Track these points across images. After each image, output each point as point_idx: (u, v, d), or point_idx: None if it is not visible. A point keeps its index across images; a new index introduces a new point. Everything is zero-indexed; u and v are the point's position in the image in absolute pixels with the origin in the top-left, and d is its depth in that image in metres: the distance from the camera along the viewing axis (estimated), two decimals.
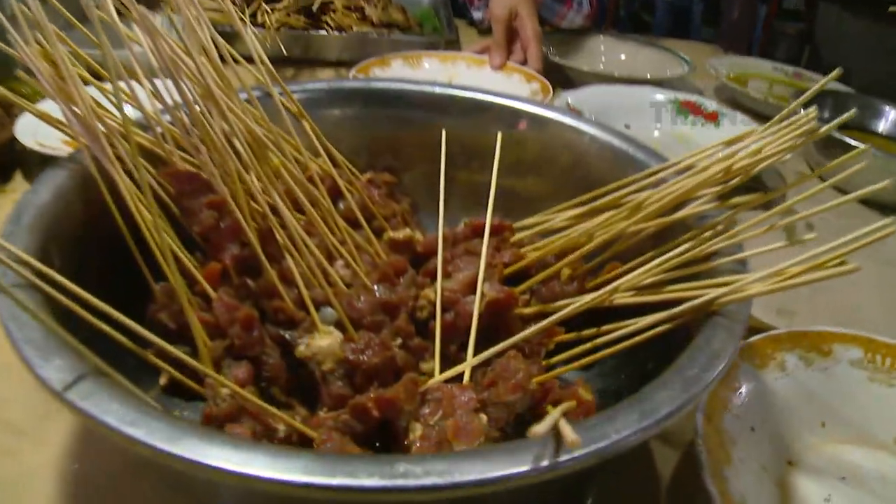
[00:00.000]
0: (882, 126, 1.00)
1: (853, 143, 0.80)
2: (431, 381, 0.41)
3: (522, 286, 0.48)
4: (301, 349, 0.40)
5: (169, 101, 0.44)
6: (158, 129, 0.45)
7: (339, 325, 0.42)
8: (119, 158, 0.40)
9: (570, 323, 0.43)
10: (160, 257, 0.39)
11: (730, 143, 0.48)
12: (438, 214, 0.52)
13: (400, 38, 1.12)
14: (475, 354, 0.42)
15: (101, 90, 0.45)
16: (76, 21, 0.45)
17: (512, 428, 0.39)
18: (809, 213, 0.41)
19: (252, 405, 0.36)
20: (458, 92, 0.60)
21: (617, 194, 0.49)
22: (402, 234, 0.52)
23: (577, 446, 0.27)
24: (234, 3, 0.71)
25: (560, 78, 1.08)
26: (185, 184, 0.44)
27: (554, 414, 0.28)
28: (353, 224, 0.50)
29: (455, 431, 0.36)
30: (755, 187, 0.45)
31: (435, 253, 0.49)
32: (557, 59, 1.12)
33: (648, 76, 1.09)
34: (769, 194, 0.44)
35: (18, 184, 0.71)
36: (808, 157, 0.93)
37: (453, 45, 1.18)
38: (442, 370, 0.42)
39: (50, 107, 0.44)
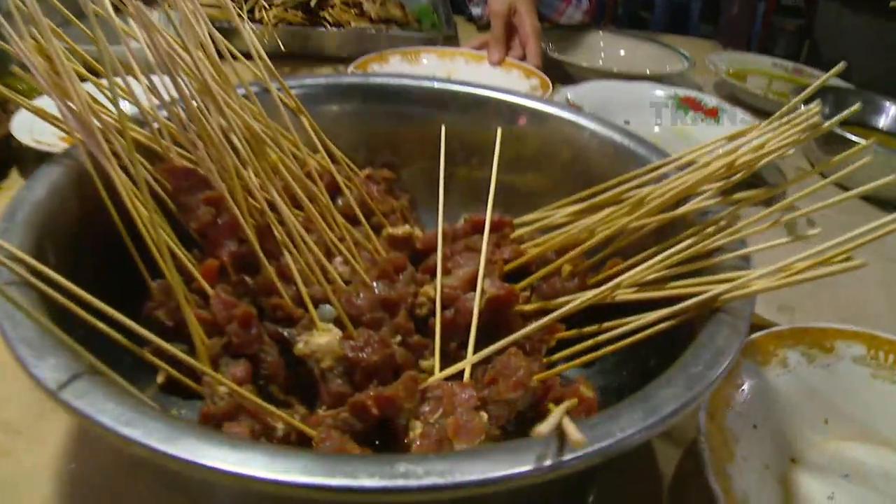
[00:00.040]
0: (882, 122, 1.00)
1: (855, 139, 0.80)
2: (431, 379, 0.40)
3: (523, 283, 0.48)
4: (300, 347, 0.40)
5: (166, 97, 0.44)
6: (155, 125, 0.45)
7: (337, 322, 0.42)
8: (115, 154, 0.39)
9: (572, 320, 0.43)
10: (157, 254, 0.38)
11: (732, 138, 0.48)
12: (438, 210, 0.52)
13: (398, 34, 1.12)
14: (475, 352, 0.41)
15: (98, 86, 0.45)
16: (73, 17, 0.45)
17: (513, 426, 0.38)
18: (812, 209, 0.41)
19: (250, 403, 0.36)
20: (458, 87, 0.60)
21: (618, 190, 0.49)
22: (401, 230, 0.52)
23: (581, 445, 0.27)
24: None
25: (559, 74, 1.07)
26: (182, 180, 0.43)
27: (557, 412, 0.27)
28: (352, 220, 0.50)
29: (455, 429, 0.36)
30: (756, 183, 0.45)
31: (434, 249, 0.49)
32: (556, 54, 1.11)
33: (648, 72, 1.09)
34: (772, 190, 0.44)
35: (14, 181, 0.71)
36: (808, 153, 0.93)
37: (452, 40, 1.17)
38: (442, 368, 0.42)
39: (46, 103, 0.44)
